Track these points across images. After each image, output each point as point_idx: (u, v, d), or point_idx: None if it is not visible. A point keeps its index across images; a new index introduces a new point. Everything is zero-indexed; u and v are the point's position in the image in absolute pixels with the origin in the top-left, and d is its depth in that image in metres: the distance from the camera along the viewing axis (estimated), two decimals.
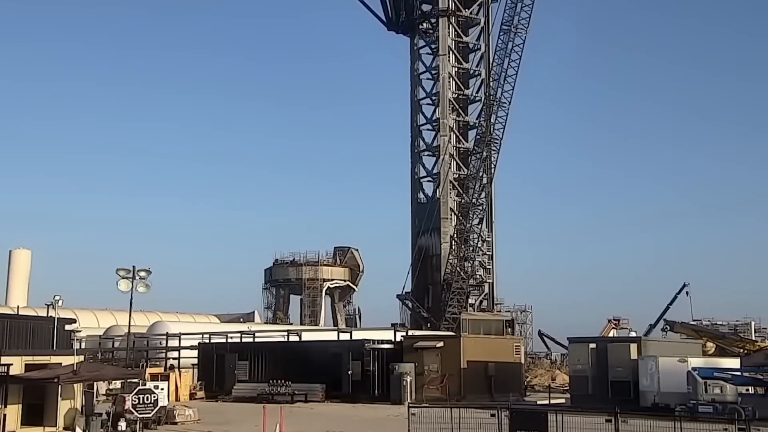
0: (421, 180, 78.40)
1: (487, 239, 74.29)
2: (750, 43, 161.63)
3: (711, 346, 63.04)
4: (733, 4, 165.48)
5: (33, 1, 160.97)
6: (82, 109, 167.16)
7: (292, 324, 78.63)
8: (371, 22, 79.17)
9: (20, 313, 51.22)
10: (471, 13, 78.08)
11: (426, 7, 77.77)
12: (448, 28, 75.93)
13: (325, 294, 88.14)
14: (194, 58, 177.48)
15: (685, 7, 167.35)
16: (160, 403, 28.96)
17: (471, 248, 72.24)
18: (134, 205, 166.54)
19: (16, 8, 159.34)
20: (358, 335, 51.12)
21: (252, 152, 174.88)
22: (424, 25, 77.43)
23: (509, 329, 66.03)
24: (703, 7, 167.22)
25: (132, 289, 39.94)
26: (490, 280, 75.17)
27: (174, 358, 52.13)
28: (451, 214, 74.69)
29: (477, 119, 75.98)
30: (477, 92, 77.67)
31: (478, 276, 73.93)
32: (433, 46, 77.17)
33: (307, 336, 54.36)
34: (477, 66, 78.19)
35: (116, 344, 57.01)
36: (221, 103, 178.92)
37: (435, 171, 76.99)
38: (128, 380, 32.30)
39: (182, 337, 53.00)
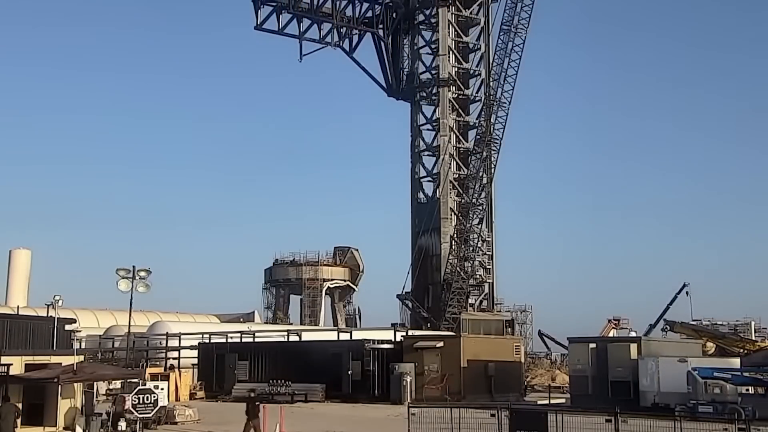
0: (421, 180, 78.37)
1: (487, 239, 74.27)
2: (754, 45, 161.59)
3: (711, 346, 63.07)
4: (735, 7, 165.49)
5: None
6: (82, 107, 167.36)
7: (292, 324, 78.62)
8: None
9: (20, 313, 51.23)
10: (471, 13, 78.05)
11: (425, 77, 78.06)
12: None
13: (325, 294, 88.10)
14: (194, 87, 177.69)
15: (688, 7, 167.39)
16: (160, 403, 28.95)
17: (471, 248, 72.24)
18: (134, 205, 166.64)
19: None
20: (358, 335, 51.11)
21: (252, 152, 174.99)
22: (425, 93, 77.69)
23: (509, 329, 66.15)
24: (706, 7, 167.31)
25: (132, 289, 39.98)
26: (490, 280, 75.13)
27: (174, 358, 52.15)
28: (451, 214, 74.67)
29: (477, 119, 75.99)
30: (477, 92, 77.69)
31: (478, 276, 73.89)
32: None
33: (307, 336, 54.36)
34: (477, 66, 78.20)
35: (116, 344, 57.03)
36: (222, 109, 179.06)
37: (435, 171, 76.99)
38: (128, 380, 32.33)
39: (182, 337, 53.02)
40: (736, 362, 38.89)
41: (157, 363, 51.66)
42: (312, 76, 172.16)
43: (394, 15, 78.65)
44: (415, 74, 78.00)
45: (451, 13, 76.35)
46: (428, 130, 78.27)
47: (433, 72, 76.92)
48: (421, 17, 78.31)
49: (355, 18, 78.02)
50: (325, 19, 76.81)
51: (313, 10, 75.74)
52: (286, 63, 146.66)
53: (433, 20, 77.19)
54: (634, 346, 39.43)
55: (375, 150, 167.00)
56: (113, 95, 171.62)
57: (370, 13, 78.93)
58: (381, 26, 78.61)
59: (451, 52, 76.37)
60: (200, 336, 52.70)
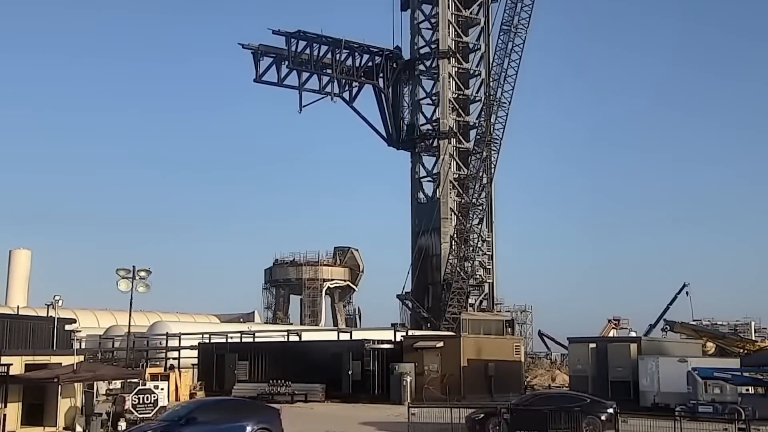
0: (421, 180, 78.43)
1: (487, 239, 74.28)
2: (752, 43, 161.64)
3: (711, 346, 63.10)
4: (733, 4, 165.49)
5: None
6: (82, 107, 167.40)
7: (292, 324, 78.60)
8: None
9: (20, 313, 51.24)
10: (471, 13, 78.05)
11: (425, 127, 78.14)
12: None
13: (325, 294, 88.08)
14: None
15: (687, 6, 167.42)
16: (160, 403, 28.97)
17: (471, 248, 72.24)
18: (134, 205, 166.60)
19: None
20: (358, 335, 51.11)
21: (253, 153, 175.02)
22: (425, 143, 77.91)
23: (509, 329, 66.14)
24: (704, 5, 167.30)
25: (132, 289, 40.03)
26: (490, 280, 75.14)
27: (174, 358, 52.14)
28: (451, 214, 74.69)
29: (477, 119, 76.02)
30: (477, 92, 77.72)
31: (478, 276, 73.90)
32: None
33: (307, 336, 54.34)
34: (477, 66, 78.21)
35: (116, 344, 57.04)
36: (220, 111, 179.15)
37: (435, 171, 77.06)
38: (128, 380, 32.34)
39: (182, 337, 53.01)
40: (736, 362, 38.88)
41: (157, 363, 51.65)
42: (312, 129, 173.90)
43: (394, 65, 78.58)
44: (415, 126, 77.90)
45: (452, 66, 76.11)
46: (428, 131, 78.23)
47: (434, 124, 76.83)
48: (421, 67, 78.04)
49: (355, 68, 77.63)
50: (324, 72, 76.22)
51: (313, 62, 75.26)
52: (287, 112, 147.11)
53: (433, 72, 76.95)
54: (634, 346, 39.45)
55: (375, 150, 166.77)
56: (115, 100, 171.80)
57: (370, 63, 78.65)
58: (381, 76, 78.39)
59: (451, 102, 75.98)
60: (200, 336, 52.70)
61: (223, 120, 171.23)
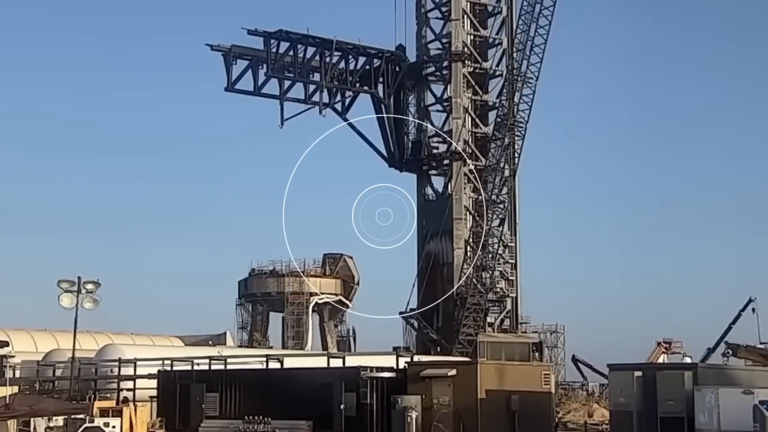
0: (430, 173, 78.86)
1: (509, 244, 74.58)
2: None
3: None
4: None
5: None
6: (28, 89, 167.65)
7: (272, 348, 78.86)
8: None
9: None
10: None
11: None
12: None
13: (313, 311, 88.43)
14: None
15: None
16: None
17: (490, 255, 72.43)
18: (82, 203, 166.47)
19: None
20: (352, 361, 51.14)
21: (225, 141, 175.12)
22: (434, 163, 79.03)
23: (536, 354, 66.32)
24: None
25: (77, 305, 40.08)
26: (514, 295, 75.48)
27: (128, 389, 52.35)
28: (465, 214, 74.97)
29: (497, 98, 76.20)
30: (497, 65, 77.85)
31: (498, 289, 74.21)
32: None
33: (290, 362, 54.43)
34: (497, 33, 78.30)
35: (58, 372, 57.19)
36: (207, 107, 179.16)
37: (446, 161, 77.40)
38: (73, 416, 32.40)
39: (138, 363, 53.16)
40: None
41: (108, 395, 51.82)
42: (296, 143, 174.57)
43: (397, 69, 78.79)
44: (422, 144, 78.50)
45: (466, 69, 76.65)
46: (438, 111, 78.40)
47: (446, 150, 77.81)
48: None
49: (349, 72, 77.50)
50: (311, 78, 76.51)
51: (297, 67, 75.22)
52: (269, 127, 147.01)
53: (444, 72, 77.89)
54: (688, 375, 39.48)
55: (373, 169, 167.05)
56: (60, 80, 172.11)
57: (367, 67, 78.59)
58: (381, 82, 78.58)
59: (465, 113, 76.77)
60: (160, 362, 52.82)
61: (195, 128, 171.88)
